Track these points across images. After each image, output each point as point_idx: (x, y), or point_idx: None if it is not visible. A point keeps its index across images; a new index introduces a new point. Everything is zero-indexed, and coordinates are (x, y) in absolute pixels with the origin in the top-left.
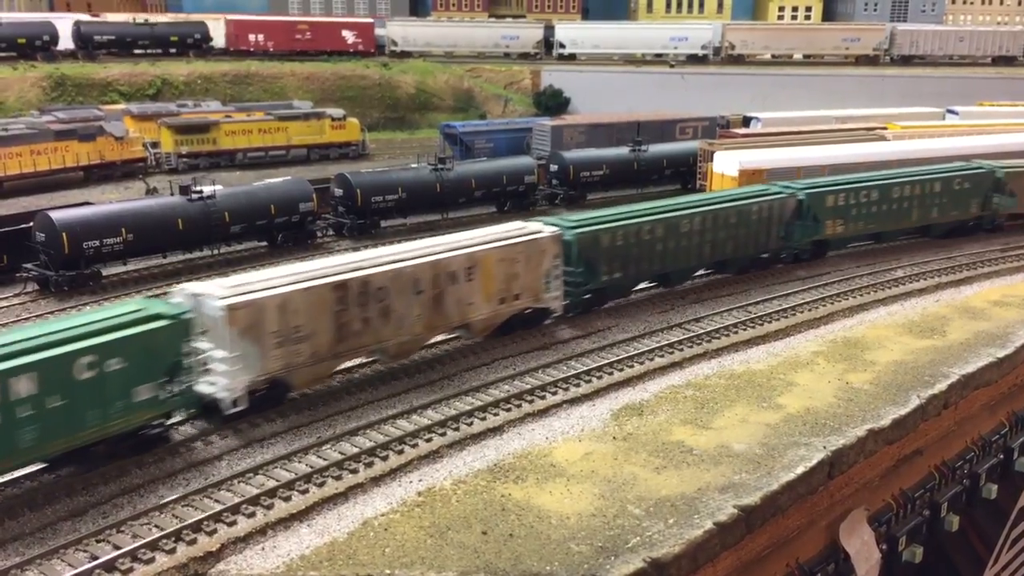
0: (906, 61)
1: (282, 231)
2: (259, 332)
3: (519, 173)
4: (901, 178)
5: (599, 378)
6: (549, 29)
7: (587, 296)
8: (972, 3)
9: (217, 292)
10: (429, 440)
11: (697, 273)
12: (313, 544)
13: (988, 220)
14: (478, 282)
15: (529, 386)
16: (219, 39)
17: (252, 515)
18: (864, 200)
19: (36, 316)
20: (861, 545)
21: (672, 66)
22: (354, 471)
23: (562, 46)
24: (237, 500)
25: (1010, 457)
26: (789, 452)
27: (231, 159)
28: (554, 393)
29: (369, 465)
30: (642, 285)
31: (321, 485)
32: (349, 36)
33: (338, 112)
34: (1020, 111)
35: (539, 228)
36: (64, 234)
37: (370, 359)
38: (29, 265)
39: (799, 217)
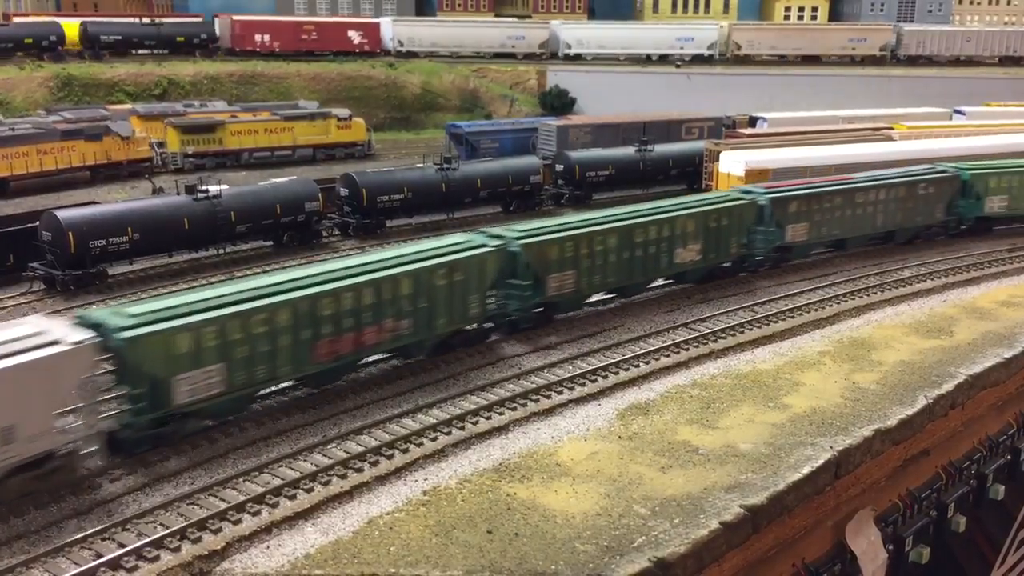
0: (913, 61)
1: (288, 231)
2: None
3: (525, 173)
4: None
5: (604, 378)
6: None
7: None
8: (979, 3)
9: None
10: (434, 439)
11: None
12: (318, 543)
13: None
14: None
15: (535, 385)
16: (225, 39)
17: (257, 513)
18: None
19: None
20: (867, 545)
21: (678, 66)
22: (359, 470)
23: (568, 46)
24: (242, 498)
25: (1017, 458)
26: (795, 452)
27: (237, 159)
28: (560, 392)
29: (374, 464)
30: None
31: (326, 484)
32: (355, 36)
33: (344, 112)
34: None
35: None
36: (70, 233)
37: None
38: (35, 264)
39: None
